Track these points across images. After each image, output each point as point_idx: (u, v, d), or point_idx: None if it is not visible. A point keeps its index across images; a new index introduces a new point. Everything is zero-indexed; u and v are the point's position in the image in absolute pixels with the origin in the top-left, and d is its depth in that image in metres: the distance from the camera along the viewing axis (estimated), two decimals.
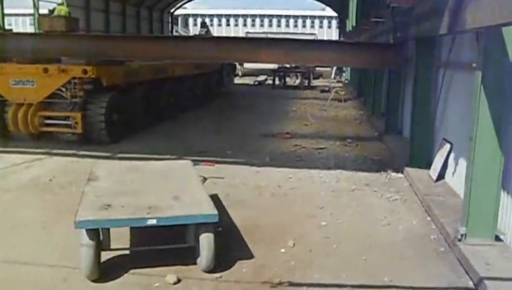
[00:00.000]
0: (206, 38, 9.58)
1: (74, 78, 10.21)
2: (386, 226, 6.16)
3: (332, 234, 5.85)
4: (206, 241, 4.65)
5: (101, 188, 5.45)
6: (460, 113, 7.18)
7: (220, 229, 5.74)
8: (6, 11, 25.82)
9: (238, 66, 31.86)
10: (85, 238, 4.52)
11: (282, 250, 5.34)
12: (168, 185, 5.62)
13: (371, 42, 9.08)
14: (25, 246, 5.39)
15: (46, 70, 10.23)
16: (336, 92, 21.40)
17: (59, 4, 13.03)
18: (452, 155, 7.49)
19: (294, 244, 5.47)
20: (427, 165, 8.19)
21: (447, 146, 7.69)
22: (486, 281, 4.40)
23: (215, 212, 4.68)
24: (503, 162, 5.12)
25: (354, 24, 21.78)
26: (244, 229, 5.88)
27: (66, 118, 10.44)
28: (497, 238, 5.23)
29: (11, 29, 27.56)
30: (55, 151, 9.96)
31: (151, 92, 13.03)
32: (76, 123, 10.33)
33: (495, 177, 5.13)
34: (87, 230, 4.52)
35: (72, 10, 33.44)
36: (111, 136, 10.76)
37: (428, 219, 6.43)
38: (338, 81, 31.83)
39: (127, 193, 5.27)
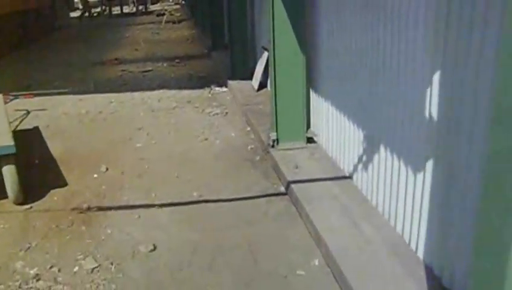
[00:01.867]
0: None
1: None
2: (203, 141, 5.50)
3: (147, 154, 5.23)
4: (9, 174, 4.13)
5: None
6: None
7: (36, 161, 5.20)
8: None
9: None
10: None
11: (95, 176, 4.77)
12: None
13: None
14: None
15: None
16: (171, 13, 19.86)
17: None
18: None
19: (107, 169, 4.90)
20: (251, 76, 7.62)
21: (265, 54, 7.11)
22: (292, 185, 3.94)
23: (12, 143, 4.11)
24: (307, 63, 4.60)
25: None
26: (61, 159, 5.22)
27: None
28: (312, 141, 4.83)
29: None
30: None
31: None
32: None
33: (299, 78, 4.59)
34: None
35: None
36: None
37: (248, 129, 5.88)
38: (176, 4, 29.99)
39: None
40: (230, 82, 7.74)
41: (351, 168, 3.92)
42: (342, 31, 3.92)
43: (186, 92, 7.73)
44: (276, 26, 4.47)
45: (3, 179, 4.15)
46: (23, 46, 13.83)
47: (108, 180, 4.66)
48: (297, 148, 4.72)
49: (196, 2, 16.73)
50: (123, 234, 3.65)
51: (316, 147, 4.76)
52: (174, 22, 18.58)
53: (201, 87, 8.03)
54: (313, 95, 4.83)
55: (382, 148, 3.25)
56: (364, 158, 3.59)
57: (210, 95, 7.55)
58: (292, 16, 4.43)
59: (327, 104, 4.45)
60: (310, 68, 4.66)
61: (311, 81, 4.73)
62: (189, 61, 10.63)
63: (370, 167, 3.49)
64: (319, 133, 4.79)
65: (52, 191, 4.45)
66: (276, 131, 4.72)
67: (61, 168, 4.99)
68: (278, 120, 4.70)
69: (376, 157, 3.37)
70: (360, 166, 3.69)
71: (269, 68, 4.98)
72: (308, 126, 4.86)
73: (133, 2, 26.11)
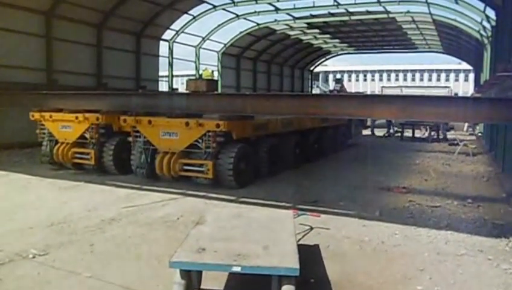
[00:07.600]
0: (318, 95, 9.43)
1: (209, 131, 10.79)
2: None
3: None
4: None
5: (203, 232, 5.48)
6: None
7: (311, 280, 5.47)
8: (175, 72, 29.25)
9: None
10: (177, 277, 4.58)
11: None
12: (262, 234, 5.37)
13: (493, 98, 7.97)
14: (139, 275, 5.74)
15: (187, 124, 10.98)
16: (465, 145, 19.23)
17: (203, 70, 14.32)
18: None
19: None
20: None
21: None
22: None
23: (297, 266, 4.34)
24: None
25: (487, 78, 19.76)
26: (335, 283, 5.44)
27: (201, 165, 11.00)
28: None
29: (177, 88, 31.03)
30: (189, 192, 10.50)
31: (278, 143, 13.08)
32: (208, 170, 10.84)
33: None
34: (180, 270, 4.57)
35: (226, 70, 36.66)
36: (238, 182, 11.04)
37: None
38: (470, 134, 28.93)
39: (223, 238, 5.17)
40: None
41: None
42: None
43: (477, 239, 7.22)
44: None
45: None
46: (315, 160, 15.43)
47: None
48: None
49: (497, 134, 15.86)
50: None
51: None
52: (468, 154, 17.87)
53: (497, 236, 7.36)
54: None
55: None
56: None
57: (508, 249, 6.83)
58: None
59: None
60: None
61: None
62: (483, 203, 9.87)
63: None
64: None
65: None
66: None
67: None
68: None
69: None
70: None
71: None
72: None
73: (425, 128, 26.63)
